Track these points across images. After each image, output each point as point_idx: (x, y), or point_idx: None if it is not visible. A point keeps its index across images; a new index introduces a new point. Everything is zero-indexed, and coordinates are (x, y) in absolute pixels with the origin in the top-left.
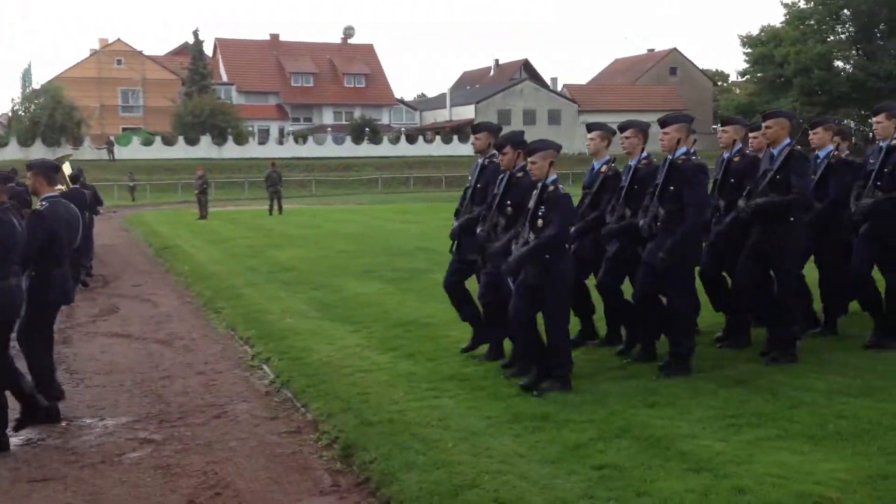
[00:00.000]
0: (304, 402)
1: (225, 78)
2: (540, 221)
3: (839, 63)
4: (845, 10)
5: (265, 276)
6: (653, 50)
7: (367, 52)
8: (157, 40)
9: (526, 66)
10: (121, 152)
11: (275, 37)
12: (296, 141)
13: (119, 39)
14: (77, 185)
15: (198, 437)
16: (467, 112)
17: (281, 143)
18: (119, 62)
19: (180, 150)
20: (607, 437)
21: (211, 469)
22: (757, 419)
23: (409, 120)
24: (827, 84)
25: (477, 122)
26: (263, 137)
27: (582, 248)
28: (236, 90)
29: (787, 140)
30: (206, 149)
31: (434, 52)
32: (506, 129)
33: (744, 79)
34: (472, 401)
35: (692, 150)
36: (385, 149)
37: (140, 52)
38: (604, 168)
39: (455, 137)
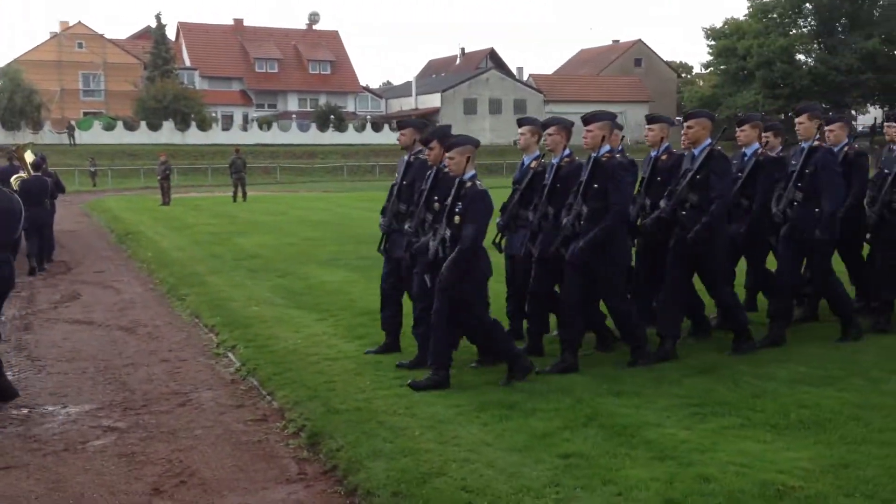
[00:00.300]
0: (270, 390)
1: (188, 63)
2: (457, 218)
3: (801, 56)
4: (807, 4)
5: (230, 264)
6: (618, 41)
7: (333, 38)
8: (119, 24)
9: (492, 55)
10: (81, 137)
11: (239, 21)
12: (260, 127)
13: (80, 22)
14: (39, 173)
15: (162, 424)
16: (433, 100)
17: (245, 129)
18: (80, 45)
19: (143, 136)
20: (574, 425)
21: (176, 457)
22: (721, 408)
23: (375, 108)
24: (789, 77)
25: (401, 119)
26: (227, 123)
27: (511, 246)
28: (199, 75)
29: (709, 140)
30: (168, 134)
31: (400, 40)
32: (471, 119)
33: (707, 71)
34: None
35: (620, 148)
36: (350, 136)
37: (101, 36)
38: (533, 164)
39: None
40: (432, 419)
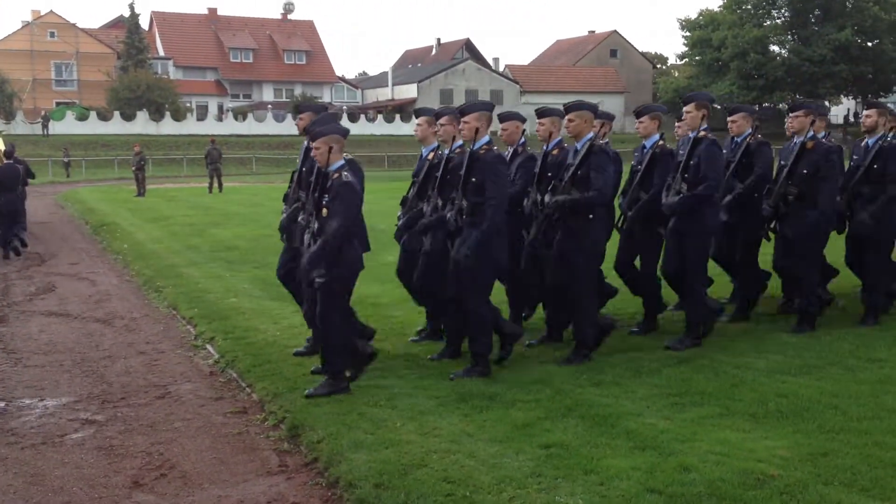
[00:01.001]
0: (249, 382)
1: (162, 52)
2: (325, 211)
3: (775, 48)
4: None
5: (207, 255)
6: (593, 32)
7: (308, 28)
8: (92, 13)
9: (468, 45)
10: (55, 127)
11: (213, 11)
12: (235, 118)
13: (52, 11)
14: (10, 161)
15: (141, 417)
16: (409, 91)
17: (220, 119)
18: (52, 35)
19: (116, 126)
20: (554, 416)
21: (156, 450)
22: (700, 398)
23: (351, 98)
24: (763, 68)
25: (302, 103)
26: (202, 114)
27: (411, 242)
28: (173, 65)
29: (591, 134)
30: (143, 124)
31: (375, 31)
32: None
33: (682, 62)
34: (419, 380)
35: (522, 141)
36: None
37: (74, 25)
38: (430, 155)
39: (397, 116)
40: (413, 410)
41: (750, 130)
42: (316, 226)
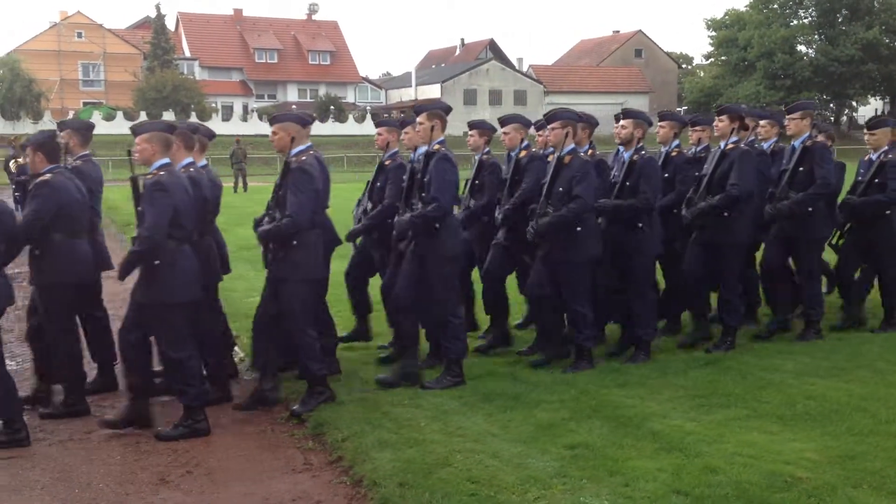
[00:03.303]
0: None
1: (188, 53)
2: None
3: (802, 47)
4: None
5: (231, 254)
6: (618, 31)
7: (332, 28)
8: (119, 13)
9: (492, 45)
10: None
11: (238, 12)
12: (260, 118)
13: (79, 12)
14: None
15: (167, 414)
16: (433, 91)
17: (245, 119)
18: (79, 35)
19: None
20: (579, 416)
21: (182, 447)
22: (726, 399)
23: (375, 98)
24: (790, 68)
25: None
26: (227, 114)
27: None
28: (199, 65)
29: (525, 143)
30: None
31: (399, 31)
32: (471, 109)
33: (708, 62)
34: None
35: (487, 150)
36: (350, 127)
37: (101, 25)
38: (388, 162)
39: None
40: (437, 410)
41: (677, 143)
42: (277, 214)
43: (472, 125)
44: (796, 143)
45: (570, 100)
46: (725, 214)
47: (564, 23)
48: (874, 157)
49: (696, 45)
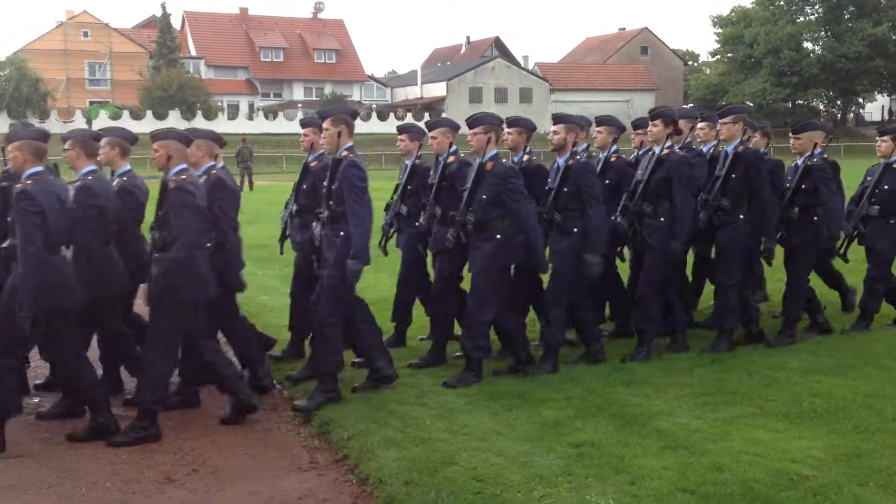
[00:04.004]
0: (279, 379)
1: (193, 52)
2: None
3: (808, 44)
4: None
5: None
6: (624, 29)
7: (338, 27)
8: (124, 13)
9: (497, 43)
10: (87, 126)
11: (244, 10)
12: (266, 117)
13: (85, 11)
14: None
15: (173, 413)
16: (438, 89)
17: (251, 118)
18: (85, 34)
19: (149, 125)
20: (584, 415)
21: (188, 446)
22: (732, 397)
23: (380, 97)
24: (797, 65)
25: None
26: (233, 112)
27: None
28: (205, 64)
29: (453, 148)
30: (174, 123)
31: (405, 29)
32: (476, 107)
33: (714, 59)
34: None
35: (419, 155)
36: (356, 126)
37: (107, 25)
38: (314, 163)
39: (426, 115)
40: (442, 408)
41: (527, 150)
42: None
43: (401, 129)
44: (729, 148)
45: (575, 97)
46: (662, 220)
47: (570, 20)
48: (800, 161)
49: (703, 42)
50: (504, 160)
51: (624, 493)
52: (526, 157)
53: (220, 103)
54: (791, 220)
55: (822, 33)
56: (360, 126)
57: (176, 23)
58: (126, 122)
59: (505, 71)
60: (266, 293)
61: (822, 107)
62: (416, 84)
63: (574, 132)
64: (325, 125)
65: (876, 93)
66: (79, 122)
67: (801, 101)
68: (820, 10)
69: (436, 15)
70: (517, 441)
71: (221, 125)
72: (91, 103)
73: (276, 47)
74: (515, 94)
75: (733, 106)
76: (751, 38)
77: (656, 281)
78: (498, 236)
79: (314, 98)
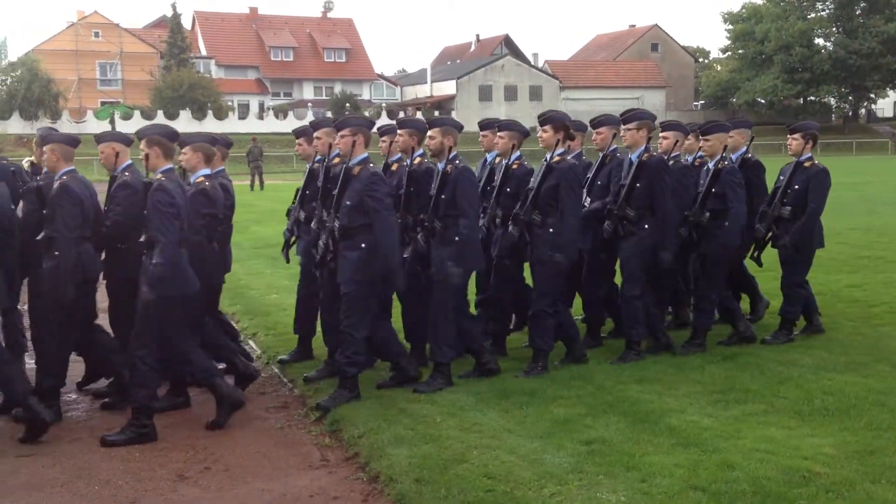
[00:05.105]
0: (291, 377)
1: (204, 52)
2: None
3: (819, 40)
4: None
5: (248, 252)
6: (634, 26)
7: (347, 26)
8: (135, 13)
9: (507, 41)
10: (99, 126)
11: (254, 10)
12: (276, 116)
13: (96, 12)
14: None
15: (185, 411)
16: (448, 87)
17: (261, 117)
18: (96, 35)
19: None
20: (595, 412)
21: (200, 444)
22: (744, 395)
23: (390, 95)
24: (808, 61)
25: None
26: (243, 112)
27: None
28: (215, 64)
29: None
30: (185, 123)
31: (414, 27)
32: (486, 105)
33: (725, 55)
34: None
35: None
36: None
37: (117, 25)
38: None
39: (436, 113)
40: (453, 406)
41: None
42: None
43: (335, 126)
44: (633, 156)
45: (585, 95)
46: (550, 231)
47: (580, 18)
48: (711, 165)
49: (713, 39)
50: (372, 164)
51: (635, 490)
52: (417, 160)
53: (230, 103)
54: (701, 226)
55: (834, 29)
56: None
57: (186, 23)
58: (137, 122)
59: (515, 69)
60: (276, 292)
61: (833, 103)
62: (426, 83)
63: (449, 136)
64: (342, 133)
65: (888, 89)
66: (91, 123)
67: (812, 98)
68: (831, 7)
69: (445, 13)
70: (528, 438)
71: (232, 125)
72: (102, 103)
73: (285, 47)
74: (525, 92)
75: (637, 111)
76: (762, 35)
77: (549, 294)
78: (363, 245)
79: (324, 97)
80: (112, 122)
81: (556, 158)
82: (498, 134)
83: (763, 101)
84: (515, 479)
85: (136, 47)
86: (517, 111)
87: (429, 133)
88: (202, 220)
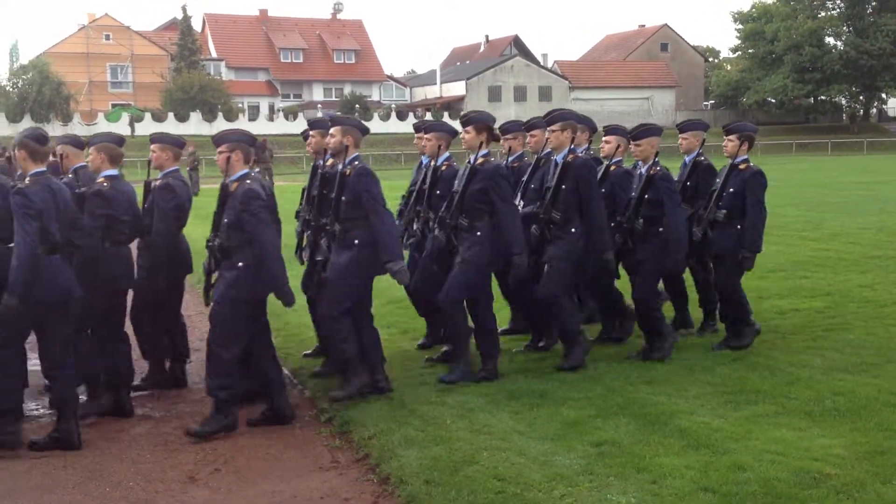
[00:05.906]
0: (301, 379)
1: (214, 54)
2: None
3: (830, 40)
4: None
5: None
6: (643, 26)
7: (357, 27)
8: (146, 15)
9: (516, 42)
10: (109, 128)
11: (263, 12)
12: (286, 117)
13: (107, 14)
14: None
15: (196, 413)
16: (458, 88)
17: (271, 119)
18: (107, 37)
19: (170, 127)
20: (605, 414)
21: (210, 445)
22: (754, 396)
23: (399, 96)
24: (819, 61)
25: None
26: (253, 114)
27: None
28: (226, 66)
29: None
30: (196, 125)
31: (424, 29)
32: (496, 106)
33: (735, 55)
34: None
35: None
36: (375, 125)
37: (128, 28)
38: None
39: (446, 114)
40: (463, 408)
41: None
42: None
43: (312, 124)
44: (558, 158)
45: (595, 95)
46: (478, 234)
47: (589, 18)
48: (643, 170)
49: (723, 39)
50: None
51: (645, 492)
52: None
53: (240, 105)
54: (635, 232)
55: (845, 28)
56: (380, 126)
57: (196, 25)
58: (148, 125)
59: (524, 69)
60: None
61: (844, 102)
62: (436, 84)
63: (350, 135)
64: (332, 132)
65: None
66: (101, 125)
67: (823, 97)
68: (842, 6)
69: (455, 14)
70: (538, 440)
71: (242, 126)
72: (113, 106)
73: (295, 48)
74: (535, 93)
75: (562, 112)
76: (771, 34)
77: (461, 298)
78: (240, 264)
79: (334, 98)
80: (131, 124)
81: (480, 160)
82: (425, 136)
83: (773, 100)
84: (526, 480)
85: (146, 50)
86: (527, 112)
87: (331, 131)
88: (97, 223)
